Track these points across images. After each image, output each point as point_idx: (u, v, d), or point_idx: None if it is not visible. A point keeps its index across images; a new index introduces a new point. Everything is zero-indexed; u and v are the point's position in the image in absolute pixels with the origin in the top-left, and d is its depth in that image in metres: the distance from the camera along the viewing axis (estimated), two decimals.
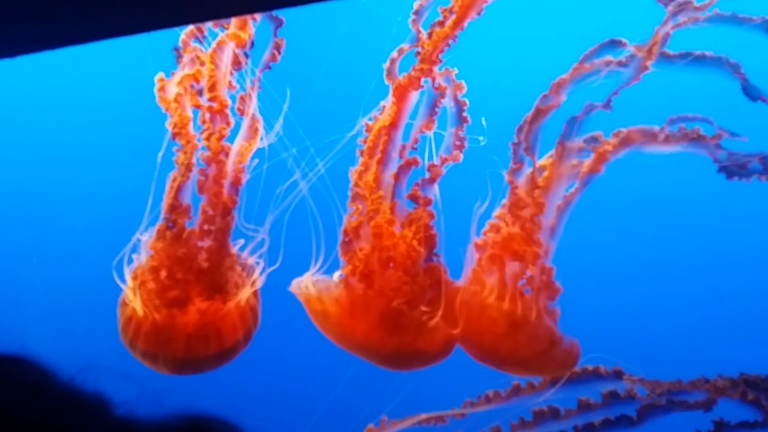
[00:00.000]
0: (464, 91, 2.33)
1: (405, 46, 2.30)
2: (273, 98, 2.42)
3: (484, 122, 2.30)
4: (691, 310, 3.59)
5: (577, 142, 2.23)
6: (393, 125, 2.32)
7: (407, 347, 2.33)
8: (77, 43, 1.60)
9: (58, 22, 1.54)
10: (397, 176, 2.30)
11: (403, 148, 2.33)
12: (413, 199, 2.30)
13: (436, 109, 2.34)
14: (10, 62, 1.68)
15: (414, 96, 2.33)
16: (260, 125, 2.42)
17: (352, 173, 2.32)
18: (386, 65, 2.30)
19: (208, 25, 2.32)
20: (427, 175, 2.30)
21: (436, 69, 2.29)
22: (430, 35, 2.27)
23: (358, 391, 2.56)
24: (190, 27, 2.30)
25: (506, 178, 2.22)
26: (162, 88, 2.35)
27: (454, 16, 2.24)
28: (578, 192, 2.22)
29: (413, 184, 2.32)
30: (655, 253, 3.64)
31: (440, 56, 2.28)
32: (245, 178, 2.41)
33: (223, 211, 2.39)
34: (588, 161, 2.25)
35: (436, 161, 2.31)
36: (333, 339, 2.41)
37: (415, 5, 2.31)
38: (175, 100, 2.34)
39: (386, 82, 2.31)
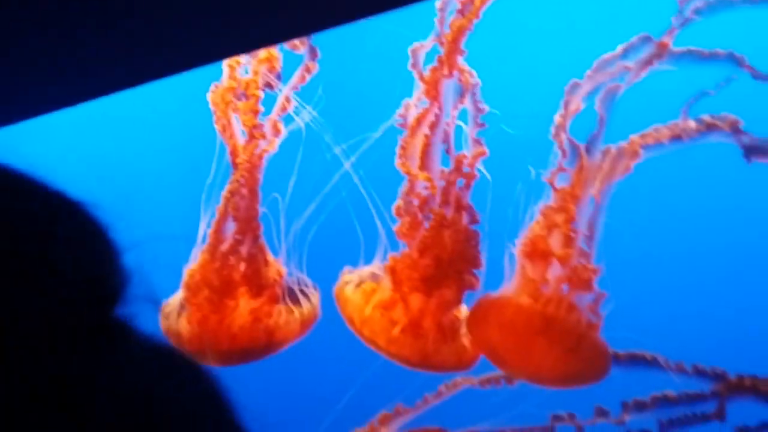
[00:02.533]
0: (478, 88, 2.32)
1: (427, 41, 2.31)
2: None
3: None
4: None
5: (602, 145, 2.22)
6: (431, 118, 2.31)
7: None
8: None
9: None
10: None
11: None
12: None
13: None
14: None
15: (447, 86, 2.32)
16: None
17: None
18: (410, 59, 2.30)
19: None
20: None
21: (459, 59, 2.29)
22: (450, 26, 2.27)
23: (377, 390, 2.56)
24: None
25: (546, 179, 2.19)
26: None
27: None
28: (609, 193, 2.19)
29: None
30: (694, 249, 3.60)
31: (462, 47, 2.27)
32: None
33: (252, 218, 2.42)
34: (617, 161, 2.23)
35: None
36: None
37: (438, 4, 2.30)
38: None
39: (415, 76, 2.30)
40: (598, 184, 2.16)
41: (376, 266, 2.50)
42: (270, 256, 2.48)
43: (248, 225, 2.43)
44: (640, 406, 2.35)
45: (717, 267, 3.60)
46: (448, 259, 2.27)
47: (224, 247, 2.42)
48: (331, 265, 2.62)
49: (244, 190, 2.38)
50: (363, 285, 2.47)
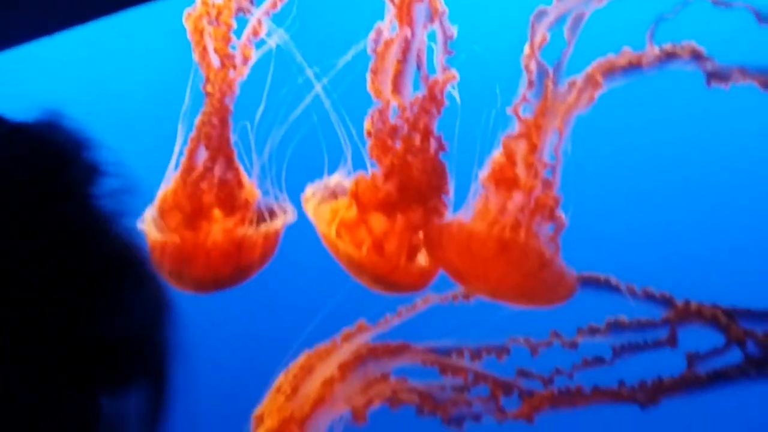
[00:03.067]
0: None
1: None
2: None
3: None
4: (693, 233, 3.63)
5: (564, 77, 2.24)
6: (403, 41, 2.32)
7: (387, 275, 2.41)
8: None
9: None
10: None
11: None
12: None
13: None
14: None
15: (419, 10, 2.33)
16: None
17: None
18: None
19: None
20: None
21: None
22: None
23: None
24: None
25: (511, 111, 2.23)
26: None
27: None
28: (573, 122, 2.23)
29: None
30: (657, 177, 3.66)
31: None
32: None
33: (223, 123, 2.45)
34: (581, 91, 2.25)
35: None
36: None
37: None
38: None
39: None
40: (562, 114, 2.20)
41: (343, 183, 2.55)
42: (245, 179, 2.53)
43: (220, 152, 2.47)
44: (593, 331, 2.45)
45: (682, 194, 3.67)
46: (414, 184, 2.31)
47: (196, 173, 2.46)
48: (302, 188, 2.66)
49: (215, 119, 2.41)
50: (331, 203, 2.52)
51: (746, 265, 3.28)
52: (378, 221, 2.40)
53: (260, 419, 2.42)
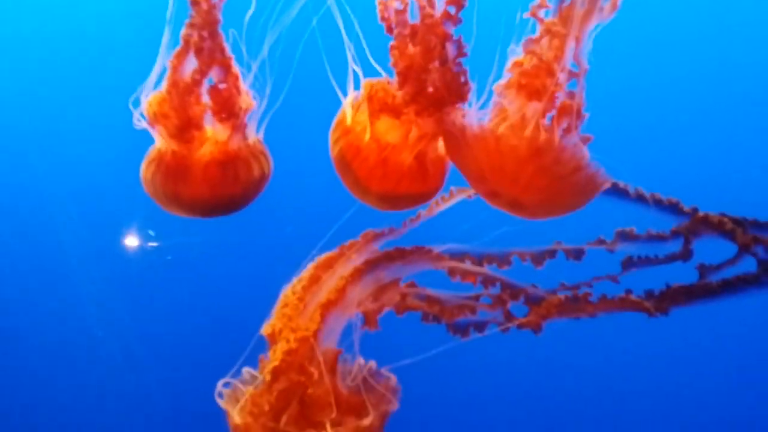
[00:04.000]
0: None
1: None
2: None
3: None
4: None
5: None
6: None
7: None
8: None
9: None
10: None
11: None
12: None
13: None
14: None
15: None
16: None
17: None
18: None
19: None
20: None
21: None
22: None
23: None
24: None
25: (529, 13, 2.17)
26: None
27: None
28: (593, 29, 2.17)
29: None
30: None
31: None
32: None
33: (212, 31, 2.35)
34: None
35: None
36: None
37: None
38: None
39: None
40: (583, 20, 2.14)
41: (355, 94, 2.49)
42: (241, 87, 2.43)
43: (212, 59, 2.36)
44: (600, 242, 2.45)
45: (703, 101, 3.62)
46: (433, 91, 2.26)
47: (185, 85, 2.36)
48: (307, 93, 2.59)
49: (204, 29, 2.32)
50: (343, 114, 2.44)
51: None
52: (389, 127, 2.36)
53: (272, 337, 2.40)
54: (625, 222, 2.50)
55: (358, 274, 2.48)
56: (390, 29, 2.28)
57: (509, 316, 2.56)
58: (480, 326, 2.61)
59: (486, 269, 2.55)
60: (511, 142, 2.12)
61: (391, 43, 2.29)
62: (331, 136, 2.46)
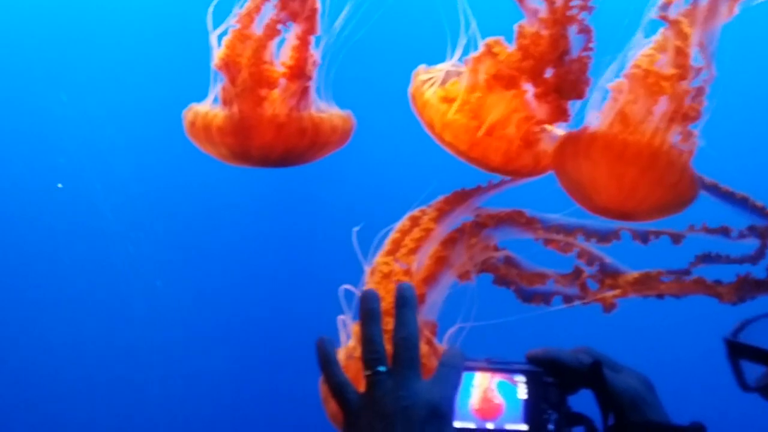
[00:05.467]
0: None
1: None
2: None
3: None
4: None
5: None
6: None
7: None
8: None
9: None
10: None
11: None
12: None
13: None
14: None
15: None
16: None
17: None
18: None
19: None
20: None
21: None
22: None
23: None
24: None
25: (657, 14, 2.20)
26: None
27: None
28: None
29: None
30: None
31: None
32: None
33: None
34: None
35: None
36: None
37: None
38: None
39: None
40: (708, 21, 2.18)
41: (458, 65, 2.48)
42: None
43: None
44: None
45: None
46: (552, 78, 2.26)
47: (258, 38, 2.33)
48: (402, 64, 2.60)
49: None
50: (443, 86, 2.44)
51: None
52: (501, 103, 2.36)
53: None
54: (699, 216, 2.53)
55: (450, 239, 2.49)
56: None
57: (585, 289, 2.58)
58: (548, 298, 2.60)
59: (570, 238, 2.52)
60: (636, 146, 2.11)
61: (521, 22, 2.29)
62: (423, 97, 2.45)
